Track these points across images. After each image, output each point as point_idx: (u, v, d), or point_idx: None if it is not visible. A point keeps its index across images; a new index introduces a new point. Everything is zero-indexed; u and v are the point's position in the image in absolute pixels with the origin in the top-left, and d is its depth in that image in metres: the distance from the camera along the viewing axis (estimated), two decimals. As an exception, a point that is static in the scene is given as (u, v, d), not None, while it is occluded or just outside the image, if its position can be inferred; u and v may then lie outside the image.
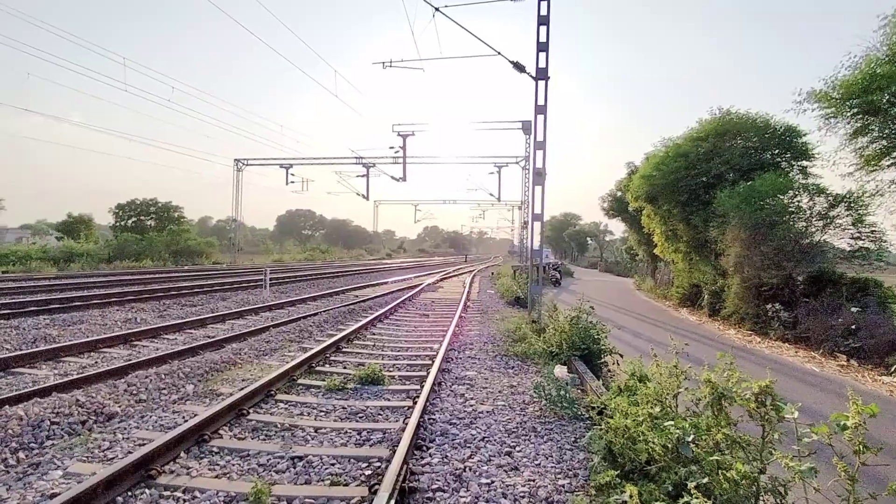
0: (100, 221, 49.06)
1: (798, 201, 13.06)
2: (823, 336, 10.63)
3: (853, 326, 10.18)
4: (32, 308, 11.50)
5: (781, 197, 12.96)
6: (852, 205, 12.07)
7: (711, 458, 2.90)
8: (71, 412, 4.88)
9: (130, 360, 7.42)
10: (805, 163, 15.12)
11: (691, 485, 2.72)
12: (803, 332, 11.29)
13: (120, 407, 5.30)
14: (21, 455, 4.12)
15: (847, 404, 2.38)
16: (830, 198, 12.51)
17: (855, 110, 11.16)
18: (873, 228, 12.02)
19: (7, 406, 4.88)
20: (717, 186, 15.25)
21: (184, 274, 25.64)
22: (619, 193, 29.85)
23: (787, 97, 18.76)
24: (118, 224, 44.92)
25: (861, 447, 2.24)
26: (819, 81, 11.74)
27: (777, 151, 15.66)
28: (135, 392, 5.75)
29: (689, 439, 3.08)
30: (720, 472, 2.78)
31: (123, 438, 4.54)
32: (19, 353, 7.37)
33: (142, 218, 45.50)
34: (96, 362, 7.48)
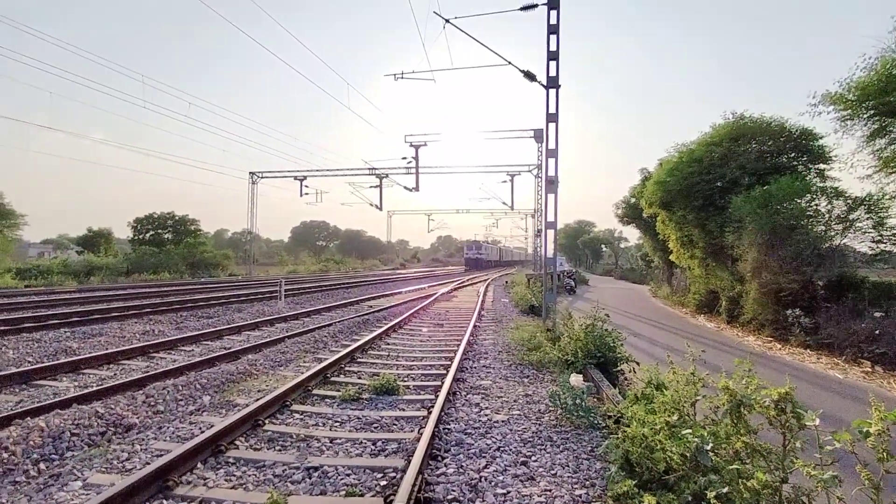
0: (119, 235, 49.78)
1: (816, 205, 12.89)
2: (846, 342, 10.40)
3: (877, 332, 9.96)
4: (53, 321, 11.69)
5: (799, 201, 12.79)
6: (872, 207, 11.88)
7: (731, 467, 2.86)
8: (91, 423, 4.94)
9: (148, 371, 7.52)
10: (822, 166, 14.92)
11: (711, 494, 2.67)
12: (825, 337, 11.06)
13: (138, 418, 5.36)
14: (42, 466, 4.18)
15: (871, 411, 2.33)
16: (849, 201, 12.32)
17: (872, 112, 11.01)
18: (895, 231, 11.80)
19: (29, 418, 4.96)
20: (732, 191, 15.10)
21: (200, 286, 25.94)
22: (633, 200, 29.63)
23: (802, 100, 18.60)
24: (136, 237, 45.55)
25: (885, 455, 2.19)
26: (834, 83, 11.62)
27: (793, 155, 15.47)
28: (153, 403, 5.81)
29: (708, 448, 3.03)
30: (740, 481, 2.74)
31: (142, 449, 4.58)
32: (41, 365, 7.51)
33: (159, 231, 46.11)
34: (115, 374, 7.58)
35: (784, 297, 12.74)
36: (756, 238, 13.14)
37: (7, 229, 32.03)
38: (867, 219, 12.04)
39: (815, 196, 12.93)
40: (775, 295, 13.01)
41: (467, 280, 35.53)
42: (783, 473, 2.66)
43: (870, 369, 9.35)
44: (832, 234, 12.50)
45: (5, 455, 4.13)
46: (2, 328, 10.55)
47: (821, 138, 14.80)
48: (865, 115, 11.21)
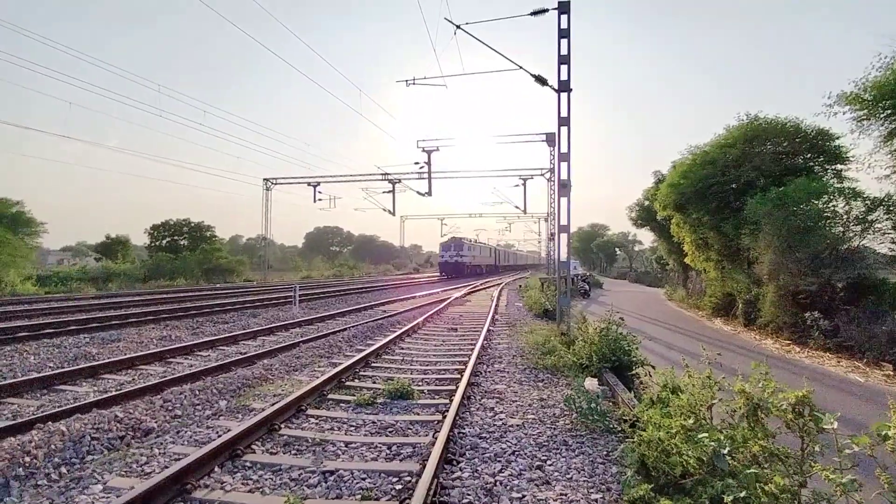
0: (136, 242, 50.48)
1: (833, 206, 12.70)
2: (867, 345, 10.23)
3: (898, 334, 9.78)
4: (73, 327, 11.90)
5: (816, 202, 12.62)
6: (892, 208, 11.68)
7: (749, 471, 2.82)
8: (110, 428, 5.02)
9: (166, 376, 7.62)
10: (839, 166, 14.72)
11: (728, 499, 2.66)
12: (845, 340, 10.88)
13: (156, 422, 5.43)
14: (63, 470, 4.25)
15: (890, 414, 2.31)
16: (868, 201, 12.13)
17: (889, 112, 10.85)
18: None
19: (50, 422, 5.05)
20: (747, 193, 14.95)
21: (216, 292, 26.22)
22: (646, 202, 29.48)
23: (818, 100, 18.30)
24: (153, 244, 46.13)
25: (906, 458, 2.16)
26: (849, 83, 11.48)
27: (809, 155, 15.30)
28: (170, 408, 5.89)
29: (725, 452, 3.00)
30: (758, 485, 2.71)
31: (160, 453, 4.64)
32: (61, 370, 7.63)
33: (175, 238, 46.65)
34: (133, 379, 7.70)
35: (802, 300, 12.57)
36: (772, 240, 12.99)
37: (27, 237, 32.65)
38: (886, 219, 11.84)
39: (832, 197, 12.74)
40: (793, 297, 12.83)
41: (481, 284, 35.43)
42: (802, 478, 2.63)
43: (891, 372, 9.18)
44: (850, 235, 12.31)
45: (28, 459, 4.20)
46: (23, 334, 10.75)
47: (837, 139, 14.61)
48: (882, 115, 11.06)
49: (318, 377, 7.31)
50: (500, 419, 5.80)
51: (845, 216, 12.47)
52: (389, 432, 5.39)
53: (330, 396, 6.69)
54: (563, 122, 11.17)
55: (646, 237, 62.64)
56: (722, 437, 3.11)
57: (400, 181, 36.13)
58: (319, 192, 39.49)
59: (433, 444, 4.69)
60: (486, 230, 70.47)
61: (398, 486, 4.00)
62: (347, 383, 7.40)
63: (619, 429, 5.22)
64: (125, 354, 9.12)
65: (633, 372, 7.51)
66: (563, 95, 11.15)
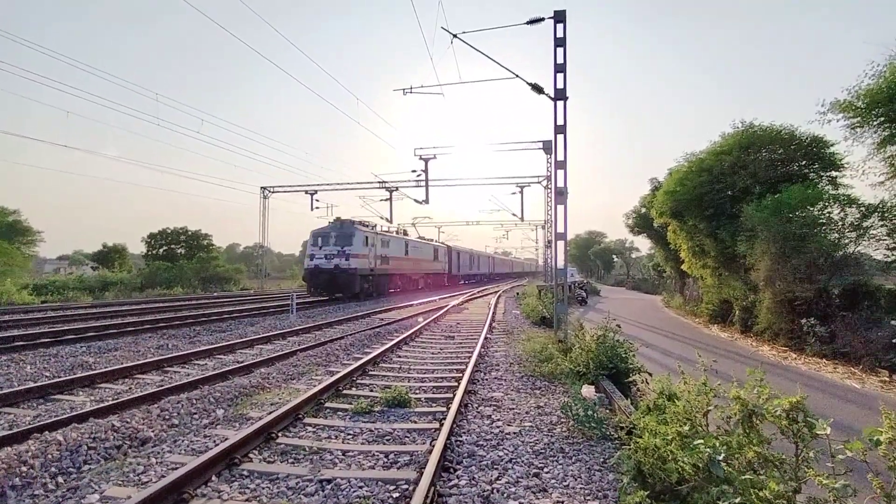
0: (133, 251, 50.41)
1: (829, 212, 12.78)
2: (863, 351, 10.26)
3: (894, 340, 9.82)
4: (70, 336, 11.85)
5: (811, 208, 12.69)
6: (886, 214, 11.75)
7: (744, 478, 2.84)
8: (107, 437, 5.00)
9: (163, 385, 7.60)
10: (834, 173, 14.82)
11: (723, 505, 2.66)
12: (841, 347, 10.92)
13: (153, 431, 5.42)
14: (60, 479, 4.24)
15: (882, 420, 2.33)
16: (863, 208, 12.21)
17: (882, 119, 10.95)
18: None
19: (47, 432, 5.04)
20: (743, 200, 15.04)
21: (213, 300, 26.16)
22: (643, 210, 29.57)
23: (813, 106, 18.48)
24: (150, 253, 46.01)
25: (897, 463, 2.18)
26: (842, 91, 11.60)
27: (804, 163, 15.40)
28: (167, 417, 5.87)
29: (721, 458, 3.02)
30: (753, 491, 2.72)
31: (157, 462, 4.63)
32: (58, 380, 7.61)
33: (172, 246, 46.56)
34: (130, 388, 7.67)
35: (798, 306, 12.61)
36: (768, 247, 13.05)
37: (24, 246, 32.63)
38: (881, 226, 11.91)
39: (827, 204, 12.82)
40: (789, 304, 12.87)
41: (478, 292, 35.43)
42: (796, 483, 2.65)
43: (887, 378, 9.21)
44: (846, 241, 12.38)
45: (25, 468, 4.19)
46: (20, 343, 10.72)
47: (832, 146, 14.73)
48: (875, 123, 11.15)
49: (315, 386, 7.30)
50: (498, 427, 5.80)
51: (840, 223, 12.55)
52: (387, 440, 5.39)
53: (327, 405, 6.68)
54: (560, 129, 11.25)
55: (643, 244, 62.67)
56: (717, 444, 3.12)
57: (397, 189, 36.11)
58: (317, 200, 39.43)
59: (430, 451, 4.69)
60: (434, 228, 61.77)
61: (395, 494, 4.00)
62: (345, 392, 7.39)
63: (616, 436, 5.24)
64: (122, 364, 9.09)
65: (630, 379, 7.54)
66: (560, 104, 11.24)
